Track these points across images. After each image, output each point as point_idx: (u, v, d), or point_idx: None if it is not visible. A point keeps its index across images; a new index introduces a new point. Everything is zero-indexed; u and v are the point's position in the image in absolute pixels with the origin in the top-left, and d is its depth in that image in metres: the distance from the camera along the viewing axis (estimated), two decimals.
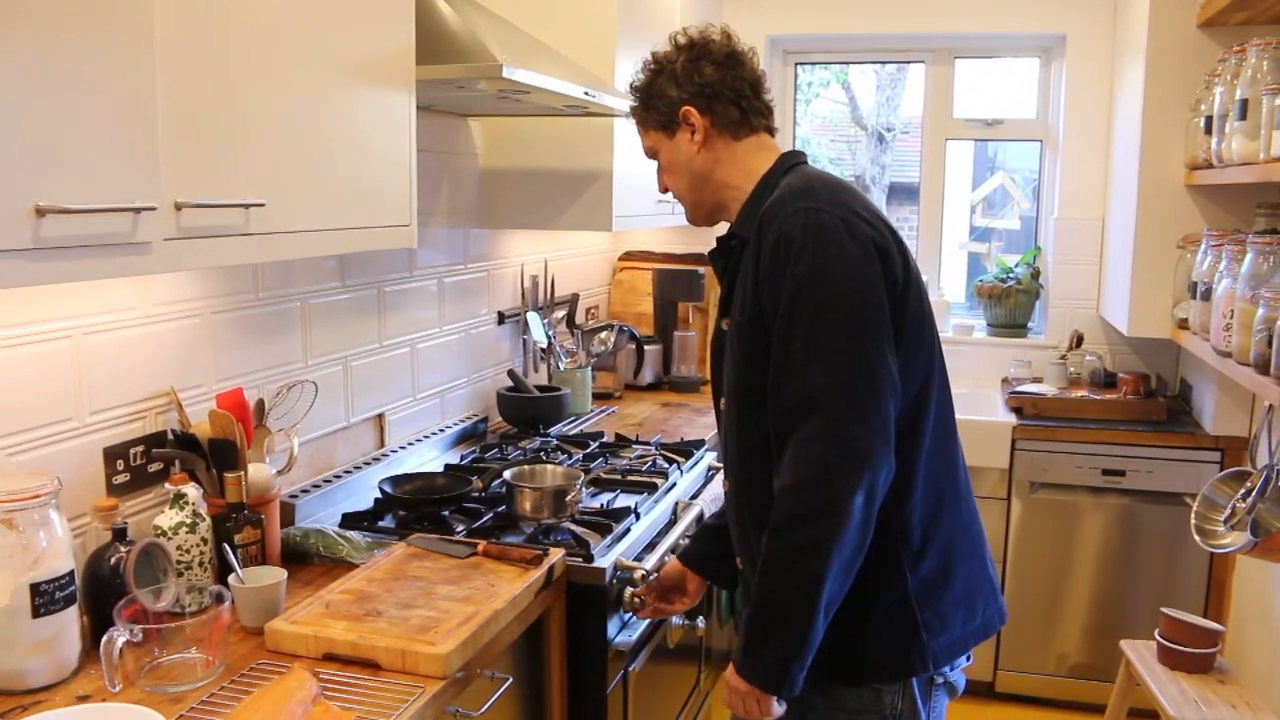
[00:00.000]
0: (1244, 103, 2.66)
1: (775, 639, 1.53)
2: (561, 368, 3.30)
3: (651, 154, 1.85)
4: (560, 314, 3.45)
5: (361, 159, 1.84)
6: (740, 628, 1.61)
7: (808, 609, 1.50)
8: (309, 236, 1.69)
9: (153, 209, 1.31)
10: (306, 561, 2.05)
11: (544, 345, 3.29)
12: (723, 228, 1.82)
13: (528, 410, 3.03)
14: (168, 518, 1.81)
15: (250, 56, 1.54)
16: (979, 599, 1.71)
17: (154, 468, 1.92)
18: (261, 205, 1.53)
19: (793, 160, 1.77)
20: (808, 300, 1.54)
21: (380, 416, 2.64)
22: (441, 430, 2.85)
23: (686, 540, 2.21)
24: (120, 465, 1.85)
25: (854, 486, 1.48)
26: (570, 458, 2.73)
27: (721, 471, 1.91)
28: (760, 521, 1.63)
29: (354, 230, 1.81)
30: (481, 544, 2.02)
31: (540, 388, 3.14)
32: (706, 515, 2.56)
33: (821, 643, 1.56)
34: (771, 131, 1.81)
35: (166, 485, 1.84)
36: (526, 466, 2.36)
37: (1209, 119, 2.96)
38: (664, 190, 1.87)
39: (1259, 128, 2.56)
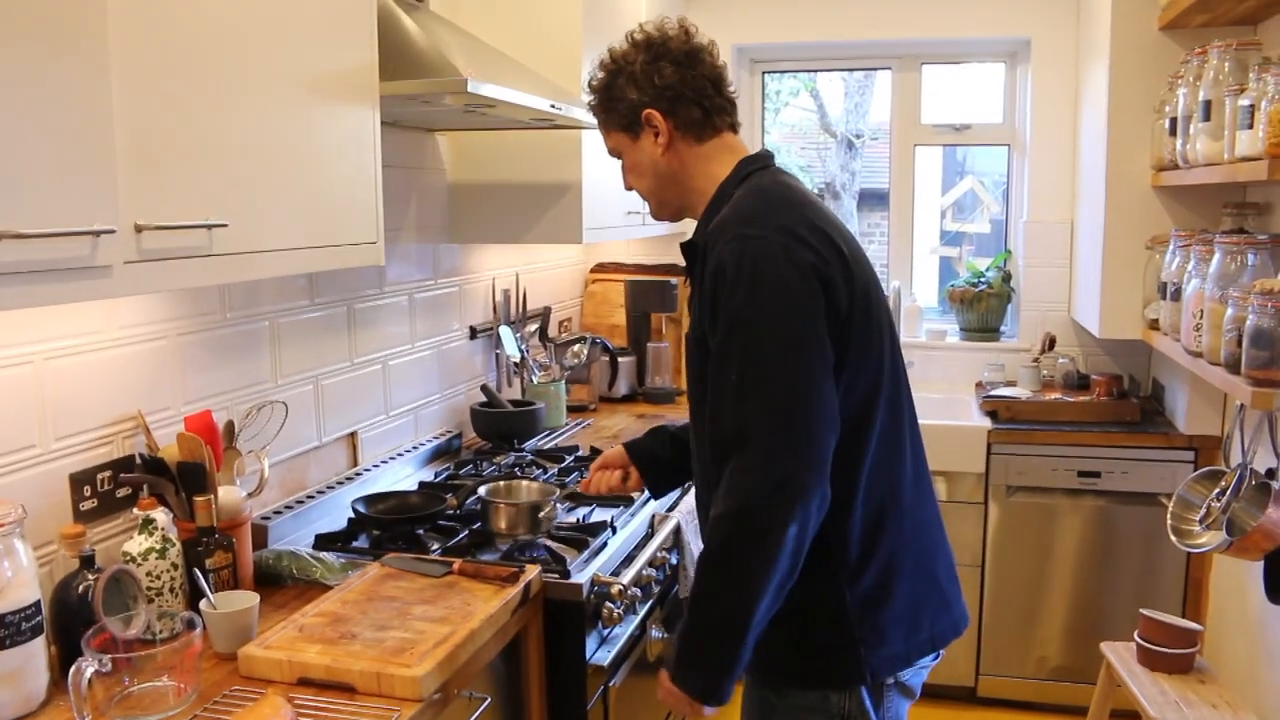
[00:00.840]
0: (1207, 104, 2.69)
1: (706, 658, 1.55)
2: (535, 381, 3.28)
3: (615, 154, 1.84)
4: (533, 327, 3.43)
5: (326, 176, 1.82)
6: (675, 637, 1.61)
7: (737, 635, 1.52)
8: (274, 256, 1.67)
9: (111, 232, 1.29)
10: (280, 584, 2.03)
11: (517, 359, 3.27)
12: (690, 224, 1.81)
13: (502, 425, 3.01)
14: (136, 544, 1.78)
15: (210, 75, 1.52)
16: (924, 613, 1.70)
17: (122, 493, 1.89)
18: (224, 226, 1.51)
19: (751, 166, 1.74)
20: (742, 334, 1.53)
21: (353, 435, 2.61)
22: (415, 448, 2.82)
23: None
24: (87, 491, 1.82)
25: (787, 519, 1.48)
26: (545, 472, 2.71)
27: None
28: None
29: (320, 249, 1.79)
30: (457, 562, 2.00)
31: (514, 402, 3.13)
32: (684, 529, 2.55)
33: (770, 646, 1.60)
34: (735, 128, 1.80)
35: (135, 510, 1.81)
36: (502, 483, 2.34)
37: (1173, 120, 2.98)
38: (629, 188, 1.85)
39: (1222, 128, 2.58)
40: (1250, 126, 2.35)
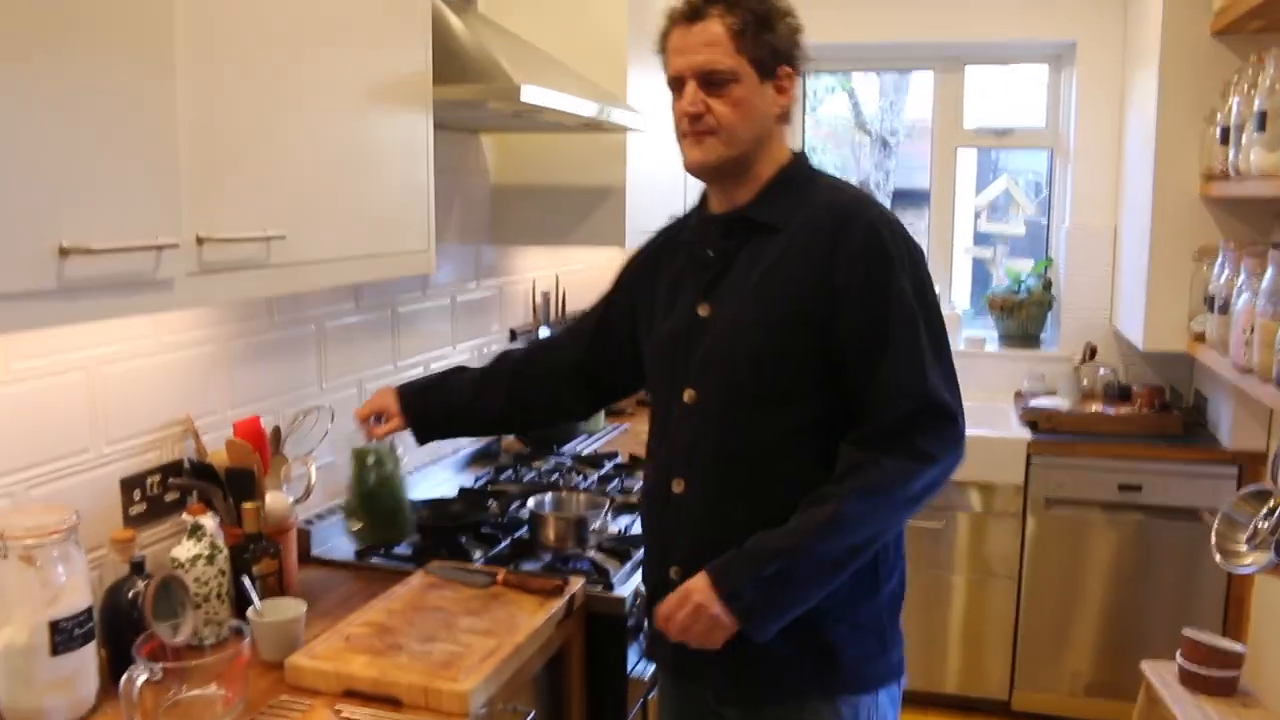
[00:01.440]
0: (1263, 114, 2.63)
1: (786, 579, 1.55)
2: None
3: (723, 75, 1.62)
4: None
5: (380, 185, 1.81)
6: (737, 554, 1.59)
7: (832, 569, 1.56)
8: (328, 266, 1.66)
9: (175, 246, 1.29)
10: None
11: None
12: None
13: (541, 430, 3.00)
14: (185, 549, 1.78)
15: (270, 86, 1.52)
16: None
17: (170, 497, 1.89)
18: (282, 237, 1.50)
19: (808, 162, 1.75)
20: (913, 312, 1.58)
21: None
22: (454, 451, 2.82)
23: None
24: (137, 495, 1.83)
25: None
26: (585, 479, 2.70)
27: (668, 472, 1.73)
28: (752, 525, 1.58)
29: (373, 258, 1.79)
30: (501, 573, 1.99)
31: None
32: None
33: (797, 657, 1.62)
34: None
35: (184, 515, 1.81)
36: (549, 494, 2.32)
37: (1225, 129, 2.93)
38: (703, 111, 1.63)
39: (1279, 139, 2.53)
40: None
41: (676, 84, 1.67)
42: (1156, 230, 3.31)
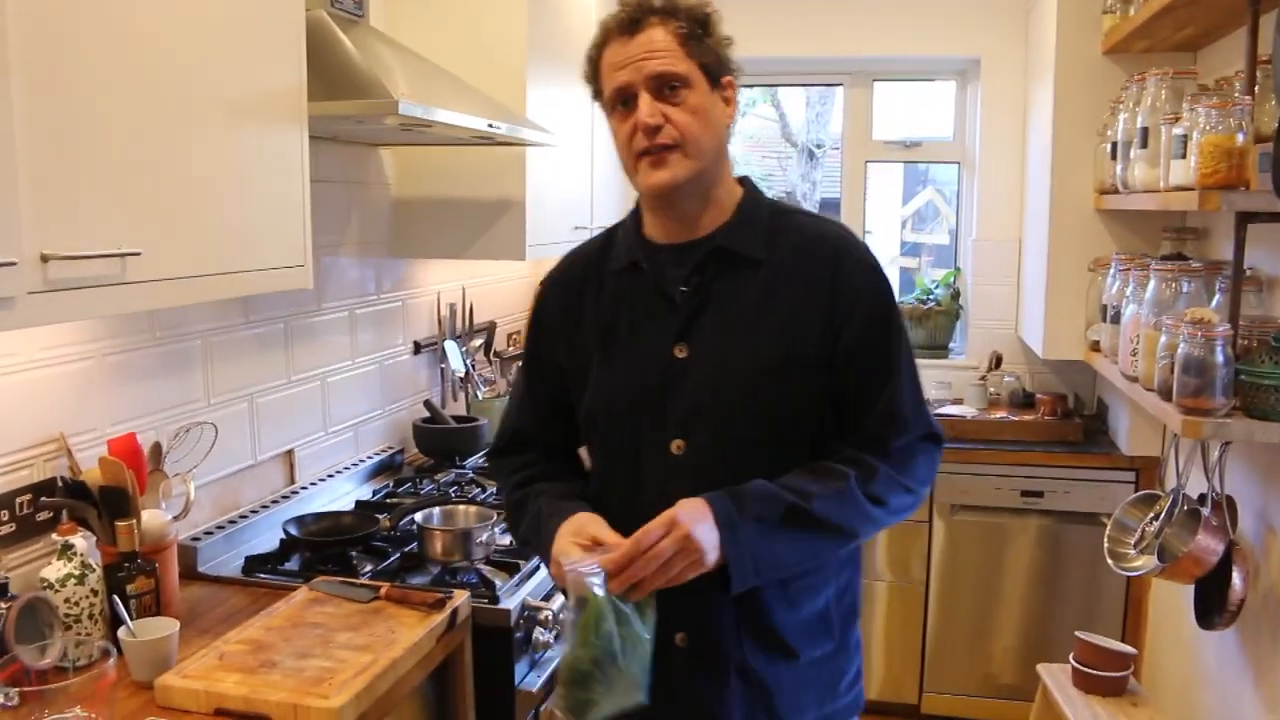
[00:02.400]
0: (1145, 131, 2.71)
1: (783, 535, 1.46)
2: (480, 397, 3.27)
3: (672, 81, 1.50)
4: (478, 342, 3.42)
5: (249, 201, 1.79)
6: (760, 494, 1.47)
7: (829, 540, 1.52)
8: (192, 282, 1.64)
9: (13, 264, 1.27)
10: None
11: (462, 374, 3.26)
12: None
13: (444, 441, 3.00)
14: (55, 569, 1.75)
15: (127, 102, 1.50)
16: None
17: (42, 517, 1.86)
18: (138, 254, 1.49)
19: (755, 183, 1.67)
20: (903, 333, 1.59)
21: (289, 453, 2.58)
22: (355, 464, 2.80)
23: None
24: (5, 515, 1.79)
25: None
26: (484, 491, 2.70)
27: None
28: None
29: (242, 274, 1.77)
30: (384, 587, 1.98)
31: (458, 418, 3.11)
32: None
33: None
34: None
35: (54, 536, 1.79)
36: (438, 508, 2.32)
37: (1114, 144, 3.01)
38: (662, 122, 1.49)
39: (1159, 156, 2.60)
40: (1183, 156, 2.37)
41: (621, 101, 1.52)
42: (1054, 242, 3.39)
